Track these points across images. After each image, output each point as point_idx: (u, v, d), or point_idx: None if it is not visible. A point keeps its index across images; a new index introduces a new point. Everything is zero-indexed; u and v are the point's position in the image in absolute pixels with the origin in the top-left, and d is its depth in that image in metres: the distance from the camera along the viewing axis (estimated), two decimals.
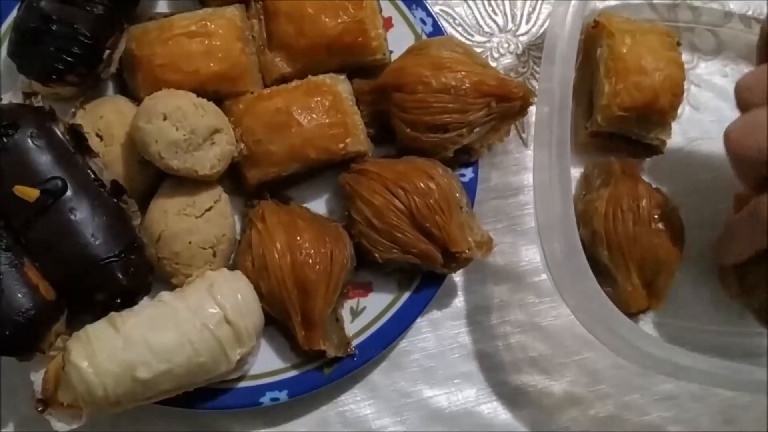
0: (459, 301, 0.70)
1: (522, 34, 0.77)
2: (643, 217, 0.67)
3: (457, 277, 0.70)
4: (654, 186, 0.69)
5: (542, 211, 0.60)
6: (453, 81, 0.64)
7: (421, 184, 0.63)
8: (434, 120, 0.64)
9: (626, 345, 0.59)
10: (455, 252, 0.63)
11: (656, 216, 0.67)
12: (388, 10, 0.70)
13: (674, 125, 0.71)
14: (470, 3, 0.77)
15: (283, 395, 0.63)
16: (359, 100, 0.67)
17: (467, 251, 0.64)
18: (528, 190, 0.72)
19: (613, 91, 0.68)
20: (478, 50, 0.73)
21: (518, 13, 0.77)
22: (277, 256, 0.61)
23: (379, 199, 0.63)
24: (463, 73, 0.64)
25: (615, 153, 0.71)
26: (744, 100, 0.58)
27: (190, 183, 0.62)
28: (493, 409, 0.68)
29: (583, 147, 0.72)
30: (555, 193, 0.58)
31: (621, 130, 0.70)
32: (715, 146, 0.73)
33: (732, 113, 0.74)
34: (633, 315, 0.68)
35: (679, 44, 0.70)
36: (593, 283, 0.58)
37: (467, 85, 0.64)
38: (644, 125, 0.69)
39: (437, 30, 0.70)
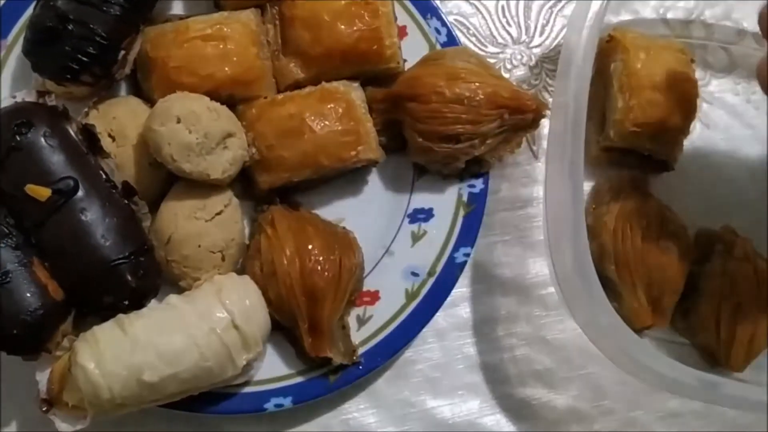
0: (465, 312, 0.70)
1: (535, 47, 0.77)
2: (652, 234, 0.67)
3: (464, 288, 0.70)
4: (663, 203, 0.69)
5: (553, 225, 0.60)
6: (467, 92, 0.64)
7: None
8: (447, 130, 0.64)
9: (635, 362, 0.58)
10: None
11: (665, 233, 0.67)
12: (403, 19, 0.69)
13: (685, 142, 0.71)
14: (484, 14, 0.77)
15: (287, 402, 0.63)
16: (372, 108, 0.67)
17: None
18: (537, 203, 0.72)
19: (626, 106, 0.68)
20: (491, 61, 0.73)
21: (532, 25, 0.77)
22: (286, 262, 0.61)
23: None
24: (477, 84, 0.64)
25: (626, 168, 0.71)
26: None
27: (200, 186, 0.62)
28: (497, 421, 0.68)
29: (594, 161, 0.71)
30: (567, 208, 0.58)
31: (633, 145, 0.70)
32: (726, 164, 0.74)
33: (743, 131, 0.75)
34: (637, 332, 0.67)
35: (693, 61, 0.70)
36: (603, 299, 0.58)
37: (481, 96, 0.64)
38: (656, 141, 0.69)
39: (451, 40, 0.70)
